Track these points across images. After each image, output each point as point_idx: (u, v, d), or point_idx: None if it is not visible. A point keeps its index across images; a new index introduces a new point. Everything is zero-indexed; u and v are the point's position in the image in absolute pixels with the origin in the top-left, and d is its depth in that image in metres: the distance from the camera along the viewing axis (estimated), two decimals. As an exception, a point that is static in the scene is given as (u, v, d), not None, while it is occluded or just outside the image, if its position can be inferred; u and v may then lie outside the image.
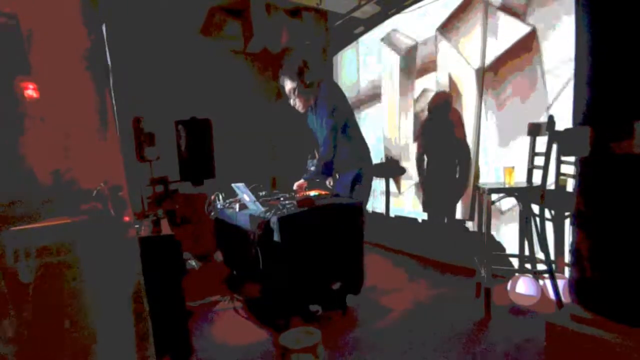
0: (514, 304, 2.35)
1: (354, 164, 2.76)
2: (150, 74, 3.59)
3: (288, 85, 2.72)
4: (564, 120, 2.07)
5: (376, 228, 3.95)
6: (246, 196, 2.38)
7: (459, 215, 3.33)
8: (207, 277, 3.12)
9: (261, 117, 4.51)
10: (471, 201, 3.19)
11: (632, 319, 1.28)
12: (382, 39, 3.99)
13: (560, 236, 2.39)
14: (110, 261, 1.36)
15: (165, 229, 1.93)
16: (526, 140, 2.36)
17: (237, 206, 2.52)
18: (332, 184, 3.01)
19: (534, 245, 2.29)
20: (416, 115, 3.68)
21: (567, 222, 2.35)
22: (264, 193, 2.71)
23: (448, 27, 3.26)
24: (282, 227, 2.07)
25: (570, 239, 1.58)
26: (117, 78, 1.75)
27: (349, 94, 3.72)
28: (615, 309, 1.33)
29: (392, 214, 4.02)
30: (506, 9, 2.80)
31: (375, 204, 4.20)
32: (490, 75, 2.94)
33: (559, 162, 2.31)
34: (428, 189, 3.61)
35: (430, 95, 3.49)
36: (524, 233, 2.37)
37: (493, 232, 2.79)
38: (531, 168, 2.30)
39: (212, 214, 2.80)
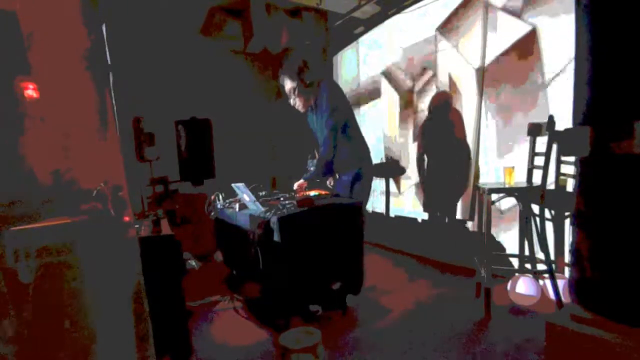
0: (514, 304, 2.35)
1: (353, 164, 2.76)
2: (150, 74, 3.59)
3: (288, 84, 2.72)
4: (564, 120, 2.07)
5: (376, 228, 3.95)
6: (246, 196, 2.38)
7: (459, 215, 3.33)
8: (207, 277, 3.12)
9: (261, 117, 4.51)
10: (471, 201, 3.19)
11: (632, 319, 1.28)
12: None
13: (560, 236, 2.39)
14: (110, 261, 1.36)
15: (165, 229, 1.93)
16: (526, 140, 2.36)
17: (237, 206, 2.52)
18: (332, 183, 3.01)
19: (534, 245, 2.29)
20: (416, 117, 3.68)
21: (567, 222, 2.35)
22: (264, 193, 2.71)
23: (448, 26, 3.27)
24: (282, 227, 2.07)
25: (570, 239, 1.58)
26: (117, 78, 1.76)
27: (348, 92, 3.73)
28: (615, 309, 1.33)
29: (392, 214, 4.02)
30: (506, 8, 2.80)
31: (375, 204, 4.20)
32: (491, 74, 2.94)
33: (559, 162, 2.31)
34: (428, 189, 3.61)
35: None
36: (524, 233, 2.37)
37: (493, 232, 2.79)
38: (531, 168, 2.30)
39: (212, 214, 2.80)
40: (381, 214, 4.11)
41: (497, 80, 2.90)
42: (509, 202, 2.73)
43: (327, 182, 2.99)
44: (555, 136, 2.13)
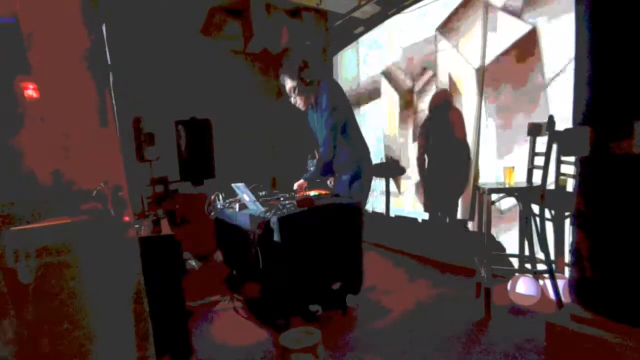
0: (514, 304, 2.35)
1: (353, 164, 2.76)
2: (150, 74, 3.59)
3: (288, 83, 2.72)
4: (564, 120, 2.07)
5: (376, 228, 3.95)
6: (246, 196, 2.38)
7: (460, 215, 3.33)
8: (207, 277, 3.12)
9: (261, 117, 4.51)
10: (471, 201, 3.19)
11: (632, 319, 1.28)
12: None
13: (560, 236, 2.39)
14: (110, 261, 1.36)
15: (165, 229, 1.93)
16: (526, 140, 2.36)
17: (237, 206, 2.52)
18: (332, 183, 3.01)
19: (534, 245, 2.29)
20: (416, 117, 3.68)
21: (567, 222, 2.35)
22: (264, 193, 2.71)
23: (448, 26, 3.27)
24: (282, 227, 2.07)
25: (570, 239, 1.58)
26: (117, 78, 1.76)
27: (348, 92, 3.73)
28: (615, 309, 1.33)
29: (392, 214, 4.02)
30: (506, 8, 2.80)
31: (375, 204, 4.20)
32: (491, 74, 2.94)
33: (559, 162, 2.31)
34: (429, 189, 3.61)
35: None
36: (524, 233, 2.37)
37: (493, 232, 2.79)
38: (531, 168, 2.30)
39: (212, 214, 2.80)
40: (381, 214, 4.11)
41: (497, 80, 2.90)
42: (509, 202, 2.73)
43: (328, 182, 2.99)
44: (555, 136, 2.13)
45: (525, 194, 2.23)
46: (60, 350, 1.29)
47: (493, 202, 2.31)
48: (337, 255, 2.29)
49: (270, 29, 4.09)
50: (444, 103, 3.36)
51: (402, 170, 3.85)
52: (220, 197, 2.77)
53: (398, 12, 3.76)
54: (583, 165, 1.46)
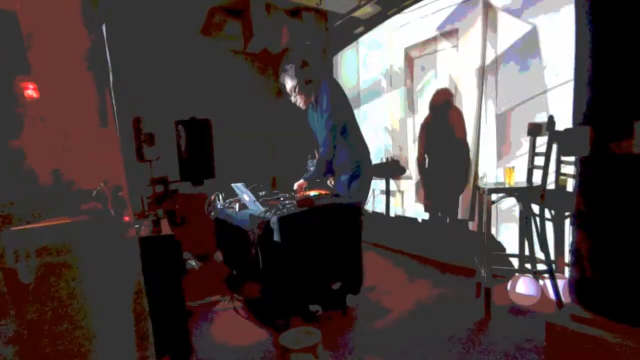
0: (514, 304, 2.35)
1: (352, 164, 2.76)
2: (150, 74, 3.59)
3: (289, 82, 2.72)
4: (564, 120, 2.07)
5: (376, 228, 3.95)
6: (246, 196, 2.38)
7: (460, 215, 3.33)
8: (207, 277, 3.12)
9: (261, 117, 4.51)
10: (471, 201, 3.19)
11: (632, 319, 1.28)
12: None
13: (560, 236, 2.39)
14: (110, 261, 1.36)
15: (165, 229, 1.93)
16: (526, 140, 2.36)
17: (237, 206, 2.52)
18: (333, 183, 3.01)
19: (534, 245, 2.29)
20: (416, 117, 3.68)
21: (567, 222, 2.35)
22: (264, 193, 2.71)
23: (448, 26, 3.26)
24: (282, 227, 2.07)
25: (570, 239, 1.58)
26: (117, 78, 1.75)
27: (348, 92, 3.73)
28: (615, 309, 1.33)
29: (392, 214, 4.02)
30: (506, 8, 2.80)
31: (375, 204, 4.20)
32: (490, 74, 2.94)
33: (559, 162, 2.30)
34: (429, 189, 3.61)
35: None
36: (524, 233, 2.37)
37: (493, 232, 2.79)
38: (531, 168, 2.30)
39: (212, 214, 2.80)
40: (381, 214, 4.11)
41: (496, 80, 2.90)
42: (509, 202, 2.73)
43: (328, 182, 3.00)
44: (555, 136, 2.13)
45: (525, 194, 2.23)
46: (60, 350, 1.29)
47: (493, 202, 2.31)
48: (337, 255, 2.29)
49: (270, 29, 4.09)
50: (444, 103, 3.36)
51: (402, 170, 3.85)
52: (220, 197, 2.77)
53: (398, 12, 3.76)
54: (583, 165, 1.46)
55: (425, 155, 3.59)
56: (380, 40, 4.04)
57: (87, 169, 1.42)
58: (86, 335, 1.32)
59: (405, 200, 3.88)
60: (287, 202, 2.33)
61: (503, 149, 2.89)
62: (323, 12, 4.39)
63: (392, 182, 3.98)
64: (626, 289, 1.31)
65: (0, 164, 1.33)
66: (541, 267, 2.25)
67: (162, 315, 1.60)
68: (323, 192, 2.62)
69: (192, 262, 3.24)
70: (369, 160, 2.89)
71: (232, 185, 2.42)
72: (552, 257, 2.33)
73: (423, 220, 3.69)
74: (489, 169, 3.01)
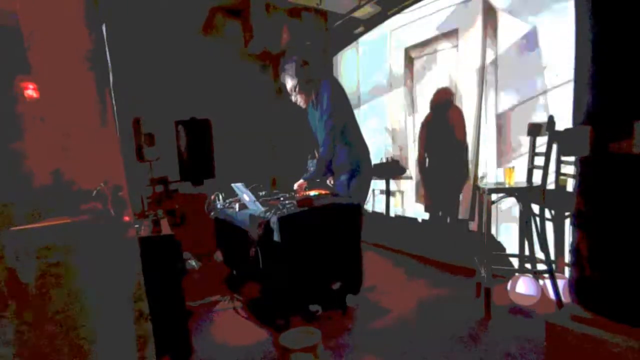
0: (514, 304, 2.35)
1: (352, 164, 2.76)
2: (150, 74, 3.59)
3: (289, 82, 2.72)
4: (564, 120, 2.07)
5: (376, 228, 3.95)
6: (246, 196, 2.38)
7: (460, 215, 3.32)
8: (207, 277, 3.12)
9: (261, 117, 4.51)
10: (471, 201, 3.19)
11: (632, 319, 1.28)
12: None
13: (560, 236, 2.39)
14: (110, 261, 1.36)
15: (165, 229, 1.93)
16: (526, 140, 2.36)
17: (237, 206, 2.52)
18: (333, 182, 3.01)
19: (534, 245, 2.29)
20: (416, 117, 3.68)
21: (567, 222, 2.35)
22: (264, 193, 2.71)
23: (448, 26, 3.26)
24: (282, 227, 2.07)
25: (570, 239, 1.58)
26: (117, 78, 1.75)
27: (348, 92, 3.73)
28: (615, 309, 1.33)
29: (392, 214, 4.02)
30: (506, 8, 2.80)
31: (375, 204, 4.20)
32: (491, 74, 2.94)
33: (559, 162, 2.30)
34: (429, 189, 3.61)
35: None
36: (524, 233, 2.37)
37: (493, 232, 2.79)
38: (531, 168, 2.30)
39: (212, 213, 2.80)
40: (381, 214, 4.11)
41: (496, 80, 2.90)
42: (509, 202, 2.73)
43: (328, 182, 3.00)
44: (555, 136, 2.13)
45: (525, 194, 2.23)
46: (61, 350, 1.29)
47: (493, 202, 2.31)
48: (337, 255, 2.29)
49: (270, 29, 4.09)
50: (444, 103, 3.36)
51: (402, 170, 3.85)
52: (220, 197, 2.77)
53: (398, 12, 3.76)
54: (583, 165, 1.46)
55: (426, 155, 3.59)
56: (380, 40, 4.04)
57: (87, 169, 1.42)
58: (86, 336, 1.32)
59: (405, 200, 3.88)
60: (287, 202, 2.33)
61: (503, 149, 2.89)
62: (323, 12, 4.39)
63: (392, 182, 3.98)
64: (626, 289, 1.31)
65: (0, 164, 1.33)
66: (541, 267, 2.25)
67: (162, 315, 1.60)
68: (323, 192, 2.62)
69: (192, 262, 3.24)
70: (369, 160, 2.89)
71: (232, 185, 2.42)
72: (552, 257, 2.33)
73: (423, 220, 3.69)
74: (489, 169, 3.01)
